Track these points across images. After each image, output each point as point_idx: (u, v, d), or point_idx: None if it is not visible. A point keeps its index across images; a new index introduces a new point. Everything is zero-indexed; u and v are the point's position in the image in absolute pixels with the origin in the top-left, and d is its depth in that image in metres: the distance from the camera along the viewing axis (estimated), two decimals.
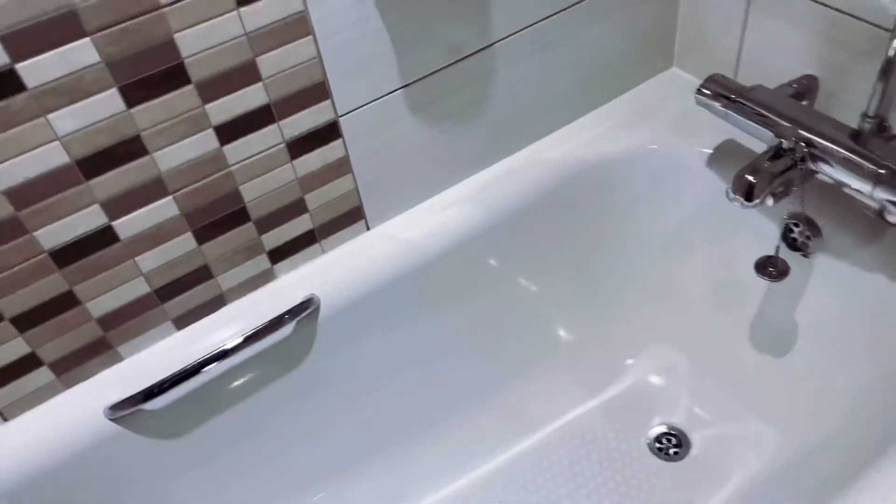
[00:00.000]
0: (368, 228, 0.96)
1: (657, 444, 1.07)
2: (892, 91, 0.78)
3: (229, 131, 0.77)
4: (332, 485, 1.05)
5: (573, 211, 1.06)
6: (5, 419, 0.80)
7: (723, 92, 0.91)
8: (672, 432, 1.08)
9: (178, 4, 0.67)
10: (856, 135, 0.81)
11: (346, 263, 0.94)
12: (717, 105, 0.91)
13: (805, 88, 0.92)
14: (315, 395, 0.98)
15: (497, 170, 1.02)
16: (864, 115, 0.81)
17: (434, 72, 0.87)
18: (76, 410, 0.81)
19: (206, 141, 0.76)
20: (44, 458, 0.79)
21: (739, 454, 1.02)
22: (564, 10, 0.94)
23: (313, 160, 0.85)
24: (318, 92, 0.81)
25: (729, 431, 1.06)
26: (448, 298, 1.02)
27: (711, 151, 0.99)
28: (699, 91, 0.93)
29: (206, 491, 0.94)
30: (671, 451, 1.06)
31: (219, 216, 0.82)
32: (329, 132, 0.84)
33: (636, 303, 1.13)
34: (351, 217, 0.94)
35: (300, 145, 0.83)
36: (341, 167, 0.88)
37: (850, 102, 0.90)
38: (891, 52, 0.76)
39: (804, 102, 0.91)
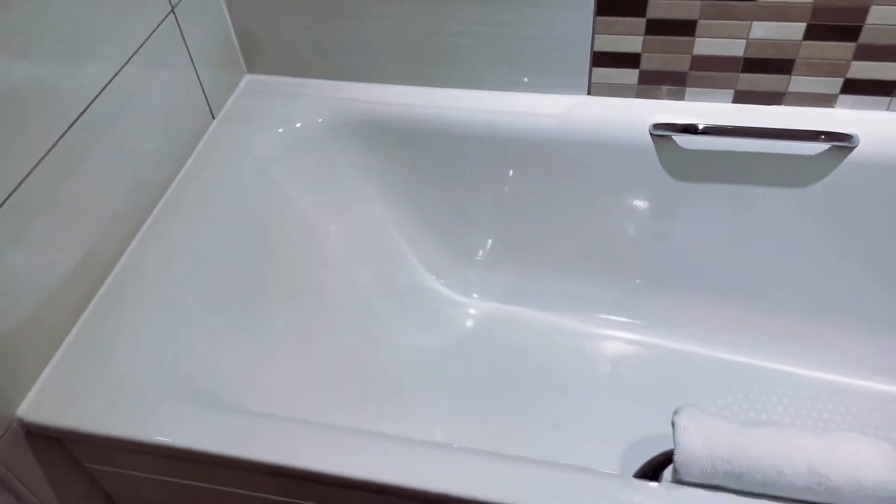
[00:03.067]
0: None
1: None
2: None
3: None
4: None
5: None
6: (590, 94, 1.05)
7: None
8: None
9: None
10: None
11: None
12: None
13: None
14: (750, 222, 1.07)
15: None
16: None
17: None
18: (630, 113, 1.02)
19: None
20: (604, 132, 1.03)
21: None
22: None
23: None
24: None
25: None
26: None
27: None
28: None
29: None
30: None
31: (836, 22, 0.91)
32: None
33: None
34: None
35: None
36: None
37: None
38: None
39: None
